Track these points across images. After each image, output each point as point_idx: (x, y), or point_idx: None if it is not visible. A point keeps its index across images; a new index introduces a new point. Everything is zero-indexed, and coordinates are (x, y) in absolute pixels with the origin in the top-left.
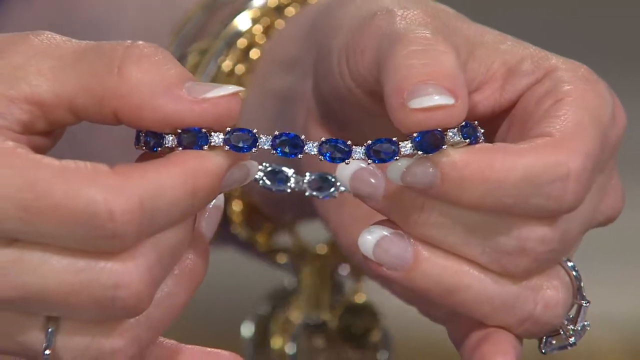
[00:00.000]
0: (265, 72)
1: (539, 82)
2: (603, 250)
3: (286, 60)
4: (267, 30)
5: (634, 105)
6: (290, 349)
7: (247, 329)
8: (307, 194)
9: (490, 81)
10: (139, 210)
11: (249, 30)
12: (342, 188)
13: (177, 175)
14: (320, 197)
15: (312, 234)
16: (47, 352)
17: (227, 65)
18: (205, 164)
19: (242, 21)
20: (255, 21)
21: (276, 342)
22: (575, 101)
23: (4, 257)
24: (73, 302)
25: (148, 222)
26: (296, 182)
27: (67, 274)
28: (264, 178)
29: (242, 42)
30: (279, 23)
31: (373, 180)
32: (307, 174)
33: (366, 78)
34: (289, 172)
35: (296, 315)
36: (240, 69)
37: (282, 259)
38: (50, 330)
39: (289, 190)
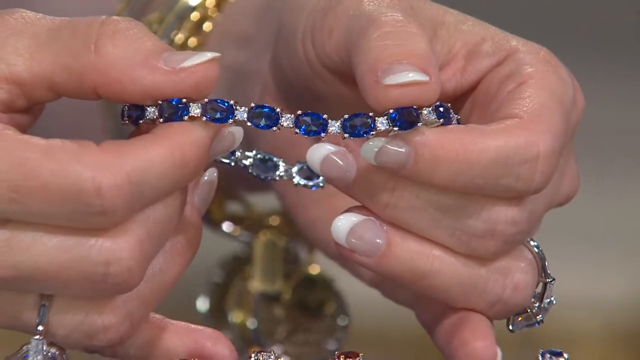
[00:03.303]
0: (218, 46)
1: (501, 64)
2: (584, 235)
3: (239, 36)
4: (219, 3)
5: (590, 89)
6: (251, 323)
7: (203, 303)
8: (295, 182)
9: (452, 62)
10: (127, 184)
11: (202, 4)
12: None
13: (163, 148)
14: (309, 186)
15: (264, 204)
16: (40, 327)
17: (179, 38)
18: (191, 135)
19: None
20: None
21: (237, 317)
22: (538, 83)
23: None
24: (64, 280)
25: (137, 196)
26: (285, 171)
27: (58, 251)
28: (253, 165)
29: (195, 15)
30: None
31: (343, 163)
32: (297, 162)
33: (332, 58)
34: (279, 160)
35: (252, 285)
36: (193, 42)
37: (235, 230)
38: (43, 306)
39: (277, 179)
